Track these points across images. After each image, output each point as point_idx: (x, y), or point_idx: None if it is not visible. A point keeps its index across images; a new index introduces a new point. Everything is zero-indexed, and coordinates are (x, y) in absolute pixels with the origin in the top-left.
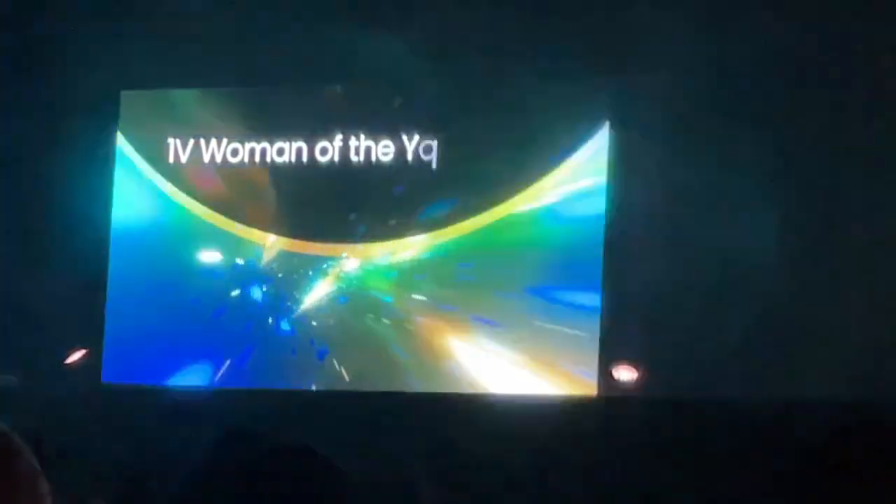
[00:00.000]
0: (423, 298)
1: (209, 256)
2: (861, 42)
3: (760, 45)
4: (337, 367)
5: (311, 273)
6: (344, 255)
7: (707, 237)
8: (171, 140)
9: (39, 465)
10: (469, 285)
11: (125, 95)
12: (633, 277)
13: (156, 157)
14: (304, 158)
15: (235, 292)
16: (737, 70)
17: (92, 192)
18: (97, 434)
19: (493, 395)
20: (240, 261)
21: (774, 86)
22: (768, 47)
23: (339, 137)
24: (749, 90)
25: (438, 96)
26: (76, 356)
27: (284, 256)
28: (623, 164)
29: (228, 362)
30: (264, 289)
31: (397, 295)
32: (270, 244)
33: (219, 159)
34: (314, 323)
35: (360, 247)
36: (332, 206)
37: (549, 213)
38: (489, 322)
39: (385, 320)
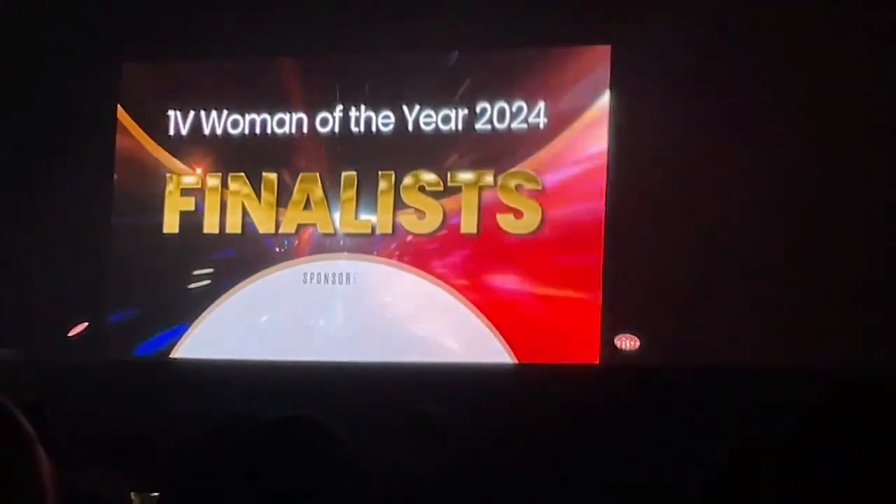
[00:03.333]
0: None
1: (210, 228)
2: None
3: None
4: (339, 334)
5: (315, 244)
6: (347, 228)
7: (708, 208)
8: (171, 112)
9: (38, 433)
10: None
11: (127, 68)
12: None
13: (156, 130)
14: (305, 129)
15: (238, 265)
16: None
17: (93, 166)
18: (100, 405)
19: (497, 364)
20: (240, 232)
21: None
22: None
23: (339, 108)
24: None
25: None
26: (78, 329)
27: (287, 227)
28: (624, 132)
29: (236, 335)
30: (269, 260)
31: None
32: (273, 215)
33: (219, 131)
34: (319, 298)
35: (362, 219)
36: (332, 177)
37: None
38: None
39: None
